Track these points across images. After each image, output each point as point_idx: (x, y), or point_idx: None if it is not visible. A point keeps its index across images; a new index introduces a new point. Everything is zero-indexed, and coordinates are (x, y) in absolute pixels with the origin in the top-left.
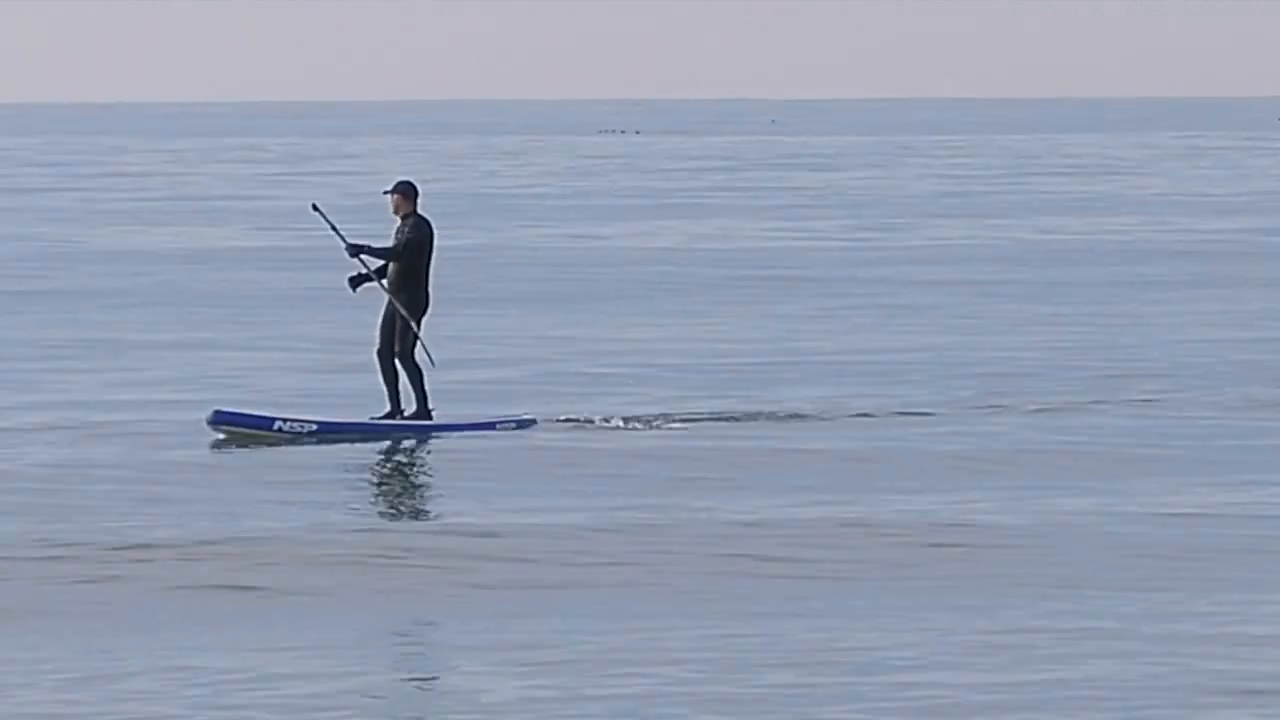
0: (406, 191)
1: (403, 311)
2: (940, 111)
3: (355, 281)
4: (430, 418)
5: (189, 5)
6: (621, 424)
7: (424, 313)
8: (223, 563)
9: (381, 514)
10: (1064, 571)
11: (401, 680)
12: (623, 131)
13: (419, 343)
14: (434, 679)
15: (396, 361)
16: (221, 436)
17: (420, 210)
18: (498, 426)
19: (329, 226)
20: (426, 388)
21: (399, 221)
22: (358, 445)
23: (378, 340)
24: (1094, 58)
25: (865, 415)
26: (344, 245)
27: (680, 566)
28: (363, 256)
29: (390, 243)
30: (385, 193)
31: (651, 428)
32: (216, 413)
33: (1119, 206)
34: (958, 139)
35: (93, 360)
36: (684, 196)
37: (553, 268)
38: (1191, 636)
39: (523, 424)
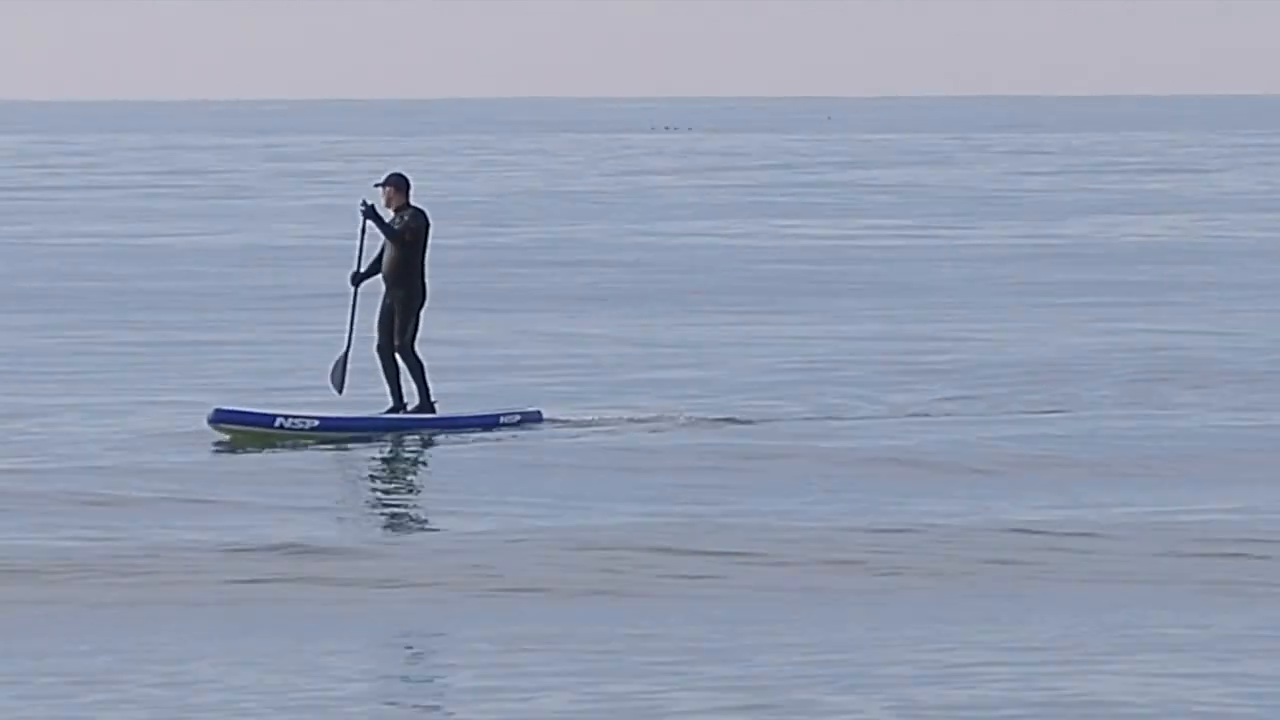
0: (399, 184)
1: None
2: (978, 109)
3: (367, 212)
4: (433, 411)
5: (195, 5)
6: (623, 421)
7: (422, 305)
8: (225, 570)
9: (389, 519)
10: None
11: (409, 689)
12: (673, 129)
13: (418, 335)
14: (440, 687)
15: (396, 355)
16: (225, 437)
17: (413, 202)
18: (502, 420)
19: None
20: (428, 381)
21: (391, 214)
22: (363, 443)
23: (377, 336)
24: (1110, 56)
25: (919, 415)
26: (365, 202)
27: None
28: (369, 222)
29: (379, 245)
30: (376, 185)
31: (662, 426)
32: (217, 411)
33: (1218, 204)
34: (1021, 137)
35: (143, 361)
36: (751, 194)
37: (614, 266)
38: None
39: (528, 417)
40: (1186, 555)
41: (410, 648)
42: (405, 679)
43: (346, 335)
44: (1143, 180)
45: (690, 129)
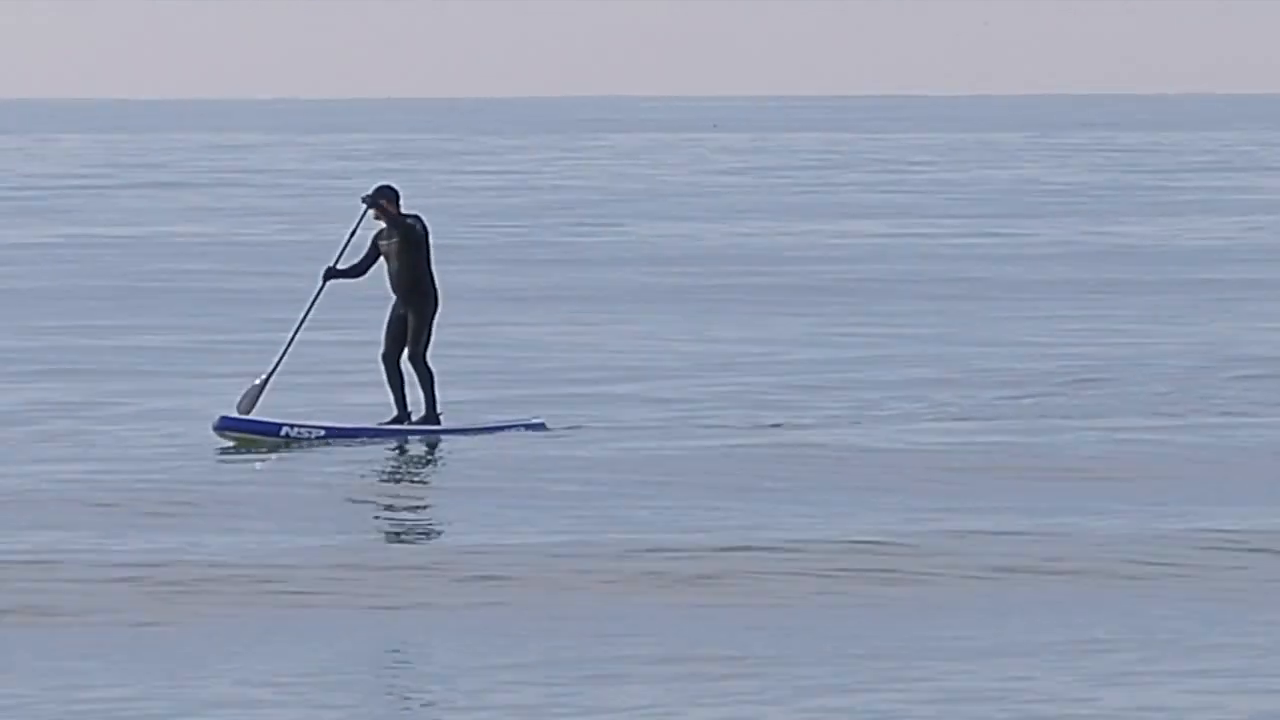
0: (390, 197)
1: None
2: (999, 107)
3: (370, 202)
4: (438, 423)
5: (202, 5)
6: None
7: (435, 313)
8: (213, 584)
9: (389, 532)
10: None
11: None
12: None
13: (430, 344)
14: (424, 703)
15: (408, 364)
16: (229, 443)
17: (405, 210)
18: (508, 430)
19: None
20: (436, 392)
21: (382, 227)
22: (370, 455)
23: (383, 344)
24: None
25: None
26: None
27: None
28: (371, 212)
29: (364, 254)
30: (363, 199)
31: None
32: (223, 419)
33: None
34: (1073, 135)
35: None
36: (814, 194)
37: (676, 265)
38: None
39: (532, 428)
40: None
41: (402, 663)
42: (393, 692)
43: (281, 352)
44: (1207, 179)
45: (748, 129)
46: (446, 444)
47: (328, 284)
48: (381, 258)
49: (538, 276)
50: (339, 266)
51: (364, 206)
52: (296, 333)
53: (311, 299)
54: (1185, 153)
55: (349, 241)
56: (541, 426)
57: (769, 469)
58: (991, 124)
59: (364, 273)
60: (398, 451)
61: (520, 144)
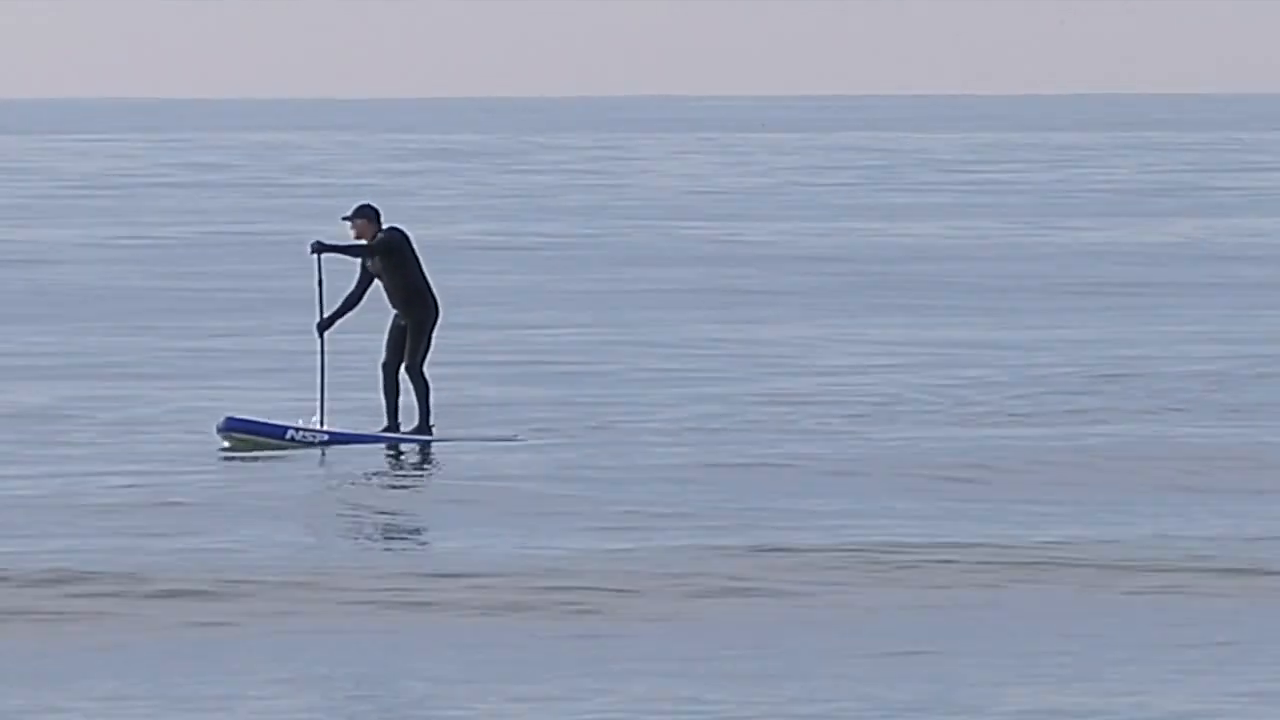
0: (370, 215)
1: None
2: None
3: (317, 250)
4: (430, 433)
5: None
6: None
7: (435, 323)
8: (197, 596)
9: (384, 544)
10: None
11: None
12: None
13: (428, 356)
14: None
15: (405, 374)
16: (227, 444)
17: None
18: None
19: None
20: (431, 404)
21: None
22: (373, 459)
23: (384, 353)
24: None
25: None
26: (314, 243)
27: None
28: (327, 256)
29: (355, 281)
30: (344, 219)
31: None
32: (228, 420)
33: None
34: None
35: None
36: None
37: (722, 263)
38: None
39: (506, 440)
40: None
41: (403, 668)
42: (394, 695)
43: (318, 413)
44: (1256, 179)
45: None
46: (452, 449)
47: (325, 335)
48: (375, 280)
49: (584, 275)
50: (327, 316)
51: (314, 255)
52: (323, 392)
53: (319, 357)
54: (1231, 151)
55: (321, 293)
56: (515, 439)
57: (801, 467)
58: (1010, 124)
59: (358, 301)
60: (403, 457)
61: (567, 143)
